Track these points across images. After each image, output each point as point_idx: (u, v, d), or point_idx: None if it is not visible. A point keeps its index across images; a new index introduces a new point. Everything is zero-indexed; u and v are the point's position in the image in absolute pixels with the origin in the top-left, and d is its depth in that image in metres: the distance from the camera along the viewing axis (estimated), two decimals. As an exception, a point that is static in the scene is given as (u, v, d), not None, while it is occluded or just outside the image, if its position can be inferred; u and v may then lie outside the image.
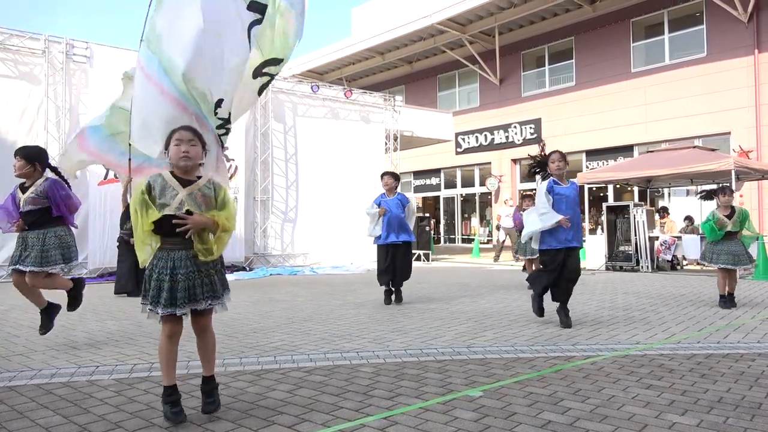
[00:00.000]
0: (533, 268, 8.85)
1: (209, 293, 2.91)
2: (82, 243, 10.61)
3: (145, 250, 2.84)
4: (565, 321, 5.42)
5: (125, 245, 8.21)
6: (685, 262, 12.64)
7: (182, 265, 2.84)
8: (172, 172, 2.92)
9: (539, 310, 5.57)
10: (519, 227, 9.26)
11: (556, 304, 5.57)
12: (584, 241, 11.71)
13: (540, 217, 5.40)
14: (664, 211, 14.05)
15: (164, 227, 2.80)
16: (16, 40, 10.17)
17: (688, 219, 13.43)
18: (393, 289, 7.11)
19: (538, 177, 5.92)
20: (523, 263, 9.23)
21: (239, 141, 12.47)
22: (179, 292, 2.81)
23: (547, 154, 5.68)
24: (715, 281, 7.02)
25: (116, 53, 10.96)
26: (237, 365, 4.03)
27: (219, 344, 4.71)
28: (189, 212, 2.83)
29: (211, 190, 2.95)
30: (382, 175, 7.30)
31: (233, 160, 12.40)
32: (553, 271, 5.45)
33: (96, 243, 10.41)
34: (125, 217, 8.29)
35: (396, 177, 7.37)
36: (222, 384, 3.54)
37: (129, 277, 8.12)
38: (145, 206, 2.77)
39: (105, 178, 10.45)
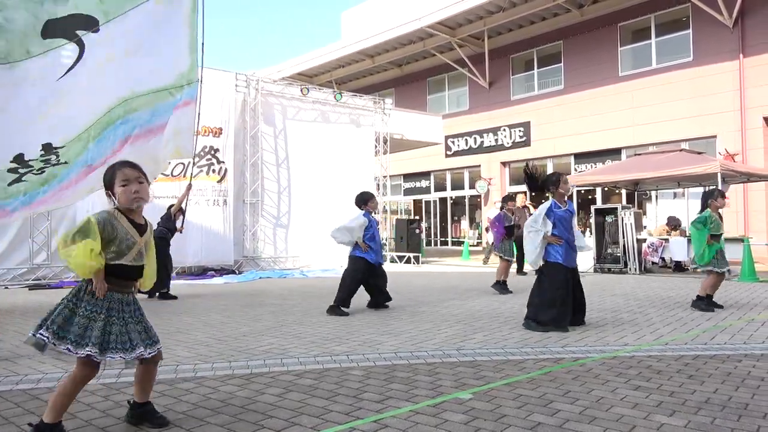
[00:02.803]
0: (506, 269, 8.87)
1: (146, 341, 2.75)
2: (69, 246, 10.53)
3: (92, 266, 2.58)
4: (580, 322, 5.57)
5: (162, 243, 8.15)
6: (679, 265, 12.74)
7: (116, 308, 2.67)
8: (121, 213, 2.72)
9: (538, 328, 5.37)
10: (498, 233, 9.27)
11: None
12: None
13: (528, 235, 5.50)
14: (673, 225, 13.24)
15: (112, 272, 2.66)
16: None
17: (673, 219, 13.54)
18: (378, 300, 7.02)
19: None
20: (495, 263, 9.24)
21: (229, 143, 12.43)
22: (112, 335, 2.61)
23: (553, 177, 5.64)
24: (700, 282, 7.06)
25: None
26: (226, 369, 4.01)
27: (209, 348, 4.70)
28: (141, 267, 2.76)
29: (151, 235, 2.86)
30: (372, 198, 6.97)
31: (223, 162, 12.37)
32: (560, 288, 5.37)
33: (83, 246, 10.30)
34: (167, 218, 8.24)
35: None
36: (211, 388, 3.53)
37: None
38: (92, 238, 2.55)
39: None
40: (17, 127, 4.37)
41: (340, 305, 6.60)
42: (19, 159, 4.39)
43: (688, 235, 12.02)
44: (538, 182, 5.72)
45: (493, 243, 9.91)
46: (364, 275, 6.83)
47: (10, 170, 4.43)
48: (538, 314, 5.40)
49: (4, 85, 4.24)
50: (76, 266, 2.56)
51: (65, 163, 4.61)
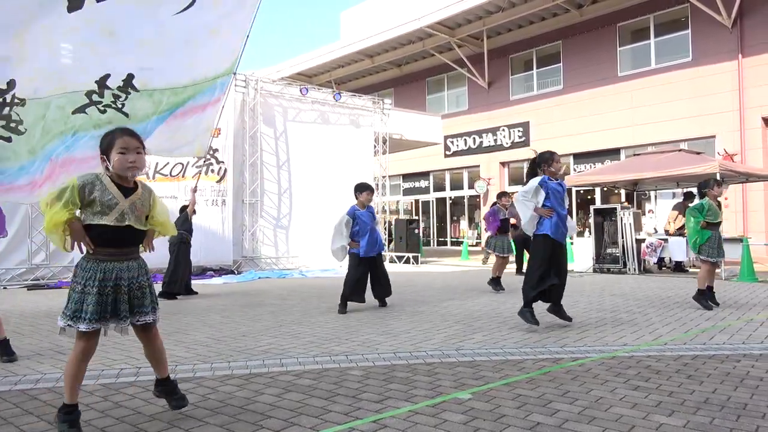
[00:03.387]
0: (501, 265, 8.89)
1: (138, 308, 2.78)
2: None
3: (56, 238, 2.66)
4: (566, 316, 5.56)
5: (183, 245, 8.36)
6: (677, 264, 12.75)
7: (111, 278, 2.69)
8: (110, 178, 2.74)
9: (533, 320, 5.40)
10: (494, 225, 9.32)
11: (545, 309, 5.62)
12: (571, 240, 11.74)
13: (520, 203, 5.49)
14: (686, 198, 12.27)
15: (100, 236, 2.68)
16: None
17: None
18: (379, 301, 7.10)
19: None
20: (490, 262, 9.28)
21: (228, 143, 12.42)
22: (107, 306, 2.66)
23: (546, 153, 5.64)
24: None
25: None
26: (225, 369, 4.01)
27: (207, 348, 4.69)
28: (129, 227, 2.74)
29: (147, 199, 2.86)
30: (363, 190, 6.88)
31: (223, 162, 12.37)
32: (542, 264, 5.38)
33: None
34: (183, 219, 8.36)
35: (373, 190, 7.19)
36: (210, 388, 3.52)
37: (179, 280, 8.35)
38: (66, 204, 2.59)
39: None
40: (116, 49, 4.36)
41: (343, 302, 6.72)
42: (102, 81, 4.37)
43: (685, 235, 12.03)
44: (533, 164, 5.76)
45: (487, 241, 9.95)
46: (363, 269, 6.84)
47: (86, 93, 4.40)
48: (526, 296, 5.47)
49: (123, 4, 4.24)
50: (47, 232, 2.65)
51: (125, 115, 4.56)
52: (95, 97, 4.49)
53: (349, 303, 6.77)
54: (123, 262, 2.75)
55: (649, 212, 15.79)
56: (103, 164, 2.78)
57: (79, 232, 2.67)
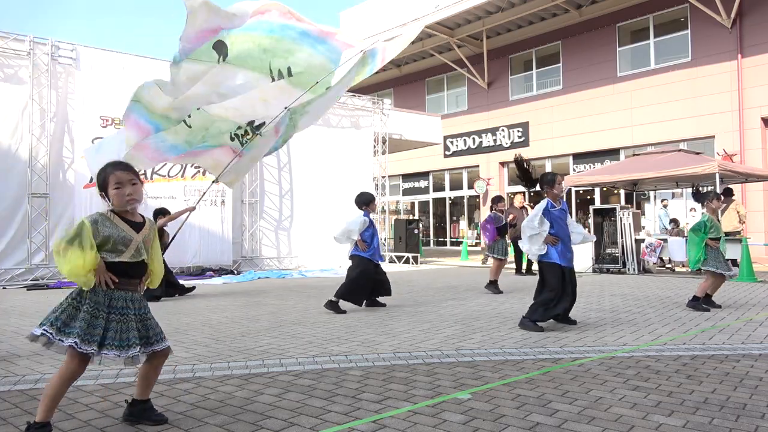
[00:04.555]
0: (498, 268, 8.86)
1: (154, 337, 2.81)
2: (67, 247, 10.50)
3: (80, 280, 2.62)
4: (570, 320, 5.65)
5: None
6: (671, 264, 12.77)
7: (117, 306, 2.70)
8: (115, 214, 2.76)
9: (536, 328, 5.42)
10: (491, 234, 9.26)
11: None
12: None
13: (529, 237, 5.55)
14: (726, 195, 11.85)
15: (113, 269, 2.70)
16: (1, 42, 10.06)
17: (674, 222, 13.57)
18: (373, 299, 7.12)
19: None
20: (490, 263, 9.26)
21: (227, 144, 12.41)
22: (110, 332, 2.65)
23: (549, 176, 5.71)
24: (698, 283, 7.08)
25: (103, 55, 10.88)
26: (225, 369, 4.01)
27: (207, 348, 4.69)
28: (143, 262, 2.79)
29: (151, 231, 2.89)
30: (370, 202, 7.09)
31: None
32: (554, 290, 5.44)
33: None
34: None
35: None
36: (209, 388, 3.53)
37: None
38: (88, 246, 2.59)
39: (90, 181, 10.35)
40: (268, 104, 5.49)
41: (341, 299, 6.71)
42: (251, 123, 5.60)
43: (686, 235, 12.06)
44: (530, 172, 5.85)
45: (487, 244, 9.94)
46: (368, 272, 6.90)
47: (238, 127, 5.66)
48: (534, 314, 5.47)
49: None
50: (69, 276, 2.60)
51: (242, 144, 5.78)
52: (239, 131, 5.67)
53: (344, 304, 6.76)
54: (128, 293, 2.77)
55: (663, 203, 15.74)
56: (104, 202, 2.80)
57: (102, 269, 2.67)
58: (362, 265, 6.88)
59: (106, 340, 2.64)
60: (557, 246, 5.49)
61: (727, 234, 11.65)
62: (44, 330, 2.58)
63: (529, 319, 5.47)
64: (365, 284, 6.87)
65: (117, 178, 2.74)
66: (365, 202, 7.06)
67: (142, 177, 2.95)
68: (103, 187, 2.76)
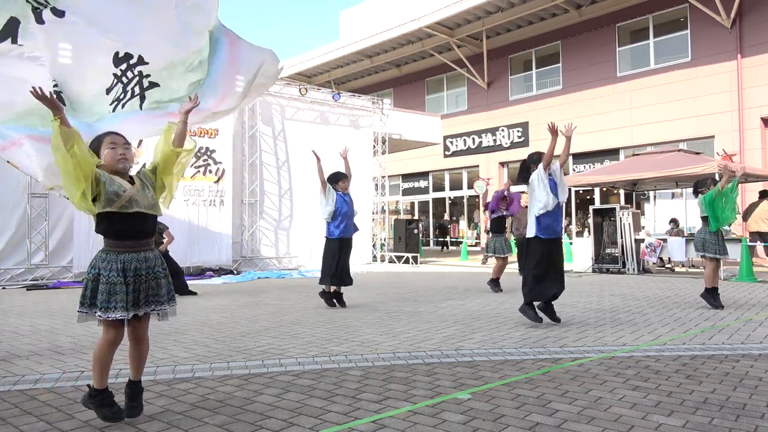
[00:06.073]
0: (501, 267, 8.93)
1: (153, 298, 2.87)
2: (67, 246, 10.51)
3: (80, 190, 2.66)
4: (555, 317, 5.66)
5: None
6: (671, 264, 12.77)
7: (131, 268, 2.79)
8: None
9: (535, 317, 5.58)
10: (494, 204, 9.38)
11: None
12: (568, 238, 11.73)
13: (537, 187, 5.59)
14: (762, 197, 12.44)
15: (114, 228, 2.79)
16: None
17: (674, 222, 13.57)
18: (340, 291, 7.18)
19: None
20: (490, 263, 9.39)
21: (227, 144, 12.41)
22: (130, 295, 2.76)
23: (535, 155, 5.85)
24: (698, 283, 7.09)
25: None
26: (224, 369, 4.01)
27: (206, 348, 4.69)
28: (137, 214, 2.82)
29: (147, 171, 2.99)
30: (340, 180, 7.51)
31: (221, 163, 12.35)
32: (540, 264, 5.53)
33: (81, 246, 10.29)
34: None
35: (347, 178, 7.65)
36: (209, 388, 3.52)
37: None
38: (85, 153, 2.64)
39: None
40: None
41: (321, 282, 7.14)
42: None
43: (686, 235, 12.07)
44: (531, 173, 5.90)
45: (487, 243, 10.00)
46: (335, 251, 7.10)
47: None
48: (530, 294, 5.59)
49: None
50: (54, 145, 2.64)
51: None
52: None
53: (346, 303, 6.78)
54: (140, 253, 2.85)
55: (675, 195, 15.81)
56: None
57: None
58: (325, 246, 7.22)
59: (128, 304, 2.75)
60: (541, 221, 5.53)
61: (761, 234, 11.88)
62: (78, 310, 2.78)
63: (525, 303, 5.62)
64: (329, 264, 7.06)
65: (112, 139, 2.89)
66: (333, 181, 7.51)
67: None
68: (96, 150, 2.85)
